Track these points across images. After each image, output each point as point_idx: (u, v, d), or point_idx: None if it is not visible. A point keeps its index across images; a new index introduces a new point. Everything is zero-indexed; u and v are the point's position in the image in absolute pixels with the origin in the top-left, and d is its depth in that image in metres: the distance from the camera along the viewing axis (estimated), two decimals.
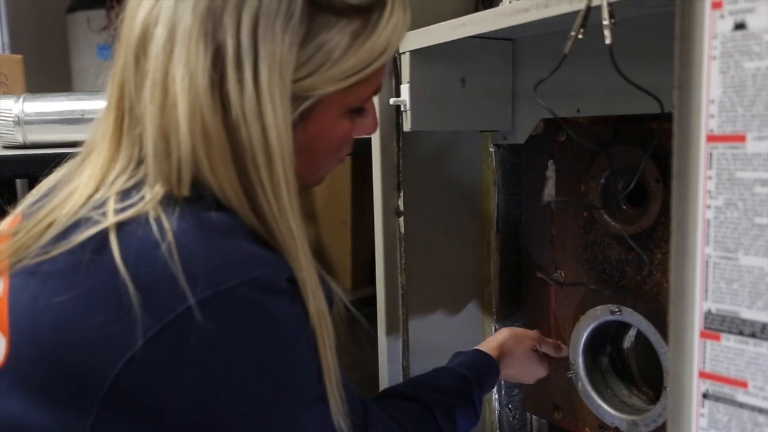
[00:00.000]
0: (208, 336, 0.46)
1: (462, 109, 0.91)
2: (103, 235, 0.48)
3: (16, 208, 0.59)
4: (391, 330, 0.94)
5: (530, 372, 0.89)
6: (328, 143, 0.59)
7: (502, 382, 1.07)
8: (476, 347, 0.84)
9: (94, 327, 0.46)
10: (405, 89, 0.85)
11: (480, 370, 0.80)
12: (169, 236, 0.47)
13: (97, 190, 0.52)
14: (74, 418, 0.47)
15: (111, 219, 0.48)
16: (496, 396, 1.08)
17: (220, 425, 0.49)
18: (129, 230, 0.48)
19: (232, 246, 0.49)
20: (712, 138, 0.43)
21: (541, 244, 0.94)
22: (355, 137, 0.63)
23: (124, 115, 0.54)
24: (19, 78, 1.56)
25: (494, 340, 0.87)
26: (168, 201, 0.50)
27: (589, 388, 0.89)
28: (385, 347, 0.94)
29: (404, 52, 0.85)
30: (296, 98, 0.52)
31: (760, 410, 0.42)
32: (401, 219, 0.91)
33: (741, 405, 0.42)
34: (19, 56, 1.59)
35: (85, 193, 0.52)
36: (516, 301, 1.02)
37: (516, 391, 1.08)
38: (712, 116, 0.42)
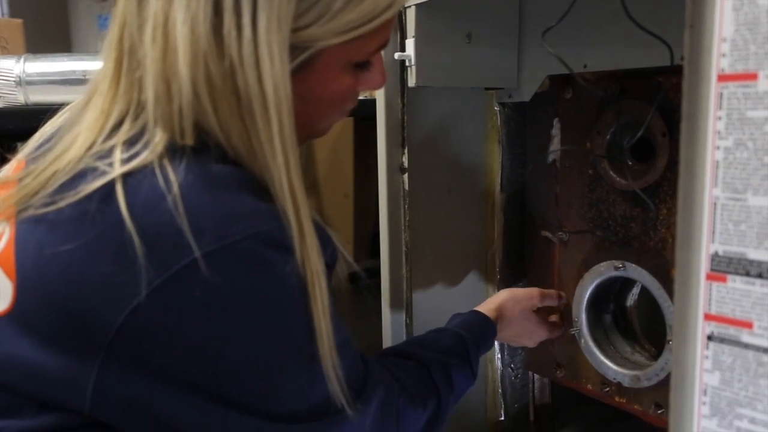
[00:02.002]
0: (212, 289, 0.46)
1: (467, 65, 0.91)
2: (109, 185, 0.48)
3: (19, 153, 0.59)
4: (394, 287, 0.94)
5: (530, 333, 0.89)
6: (330, 96, 0.58)
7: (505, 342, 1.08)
8: (474, 309, 0.85)
9: (100, 276, 0.47)
10: (410, 44, 0.84)
11: (476, 330, 0.80)
12: (175, 188, 0.47)
13: (99, 134, 0.52)
14: (81, 364, 0.48)
15: (117, 170, 0.48)
16: (499, 356, 1.09)
17: (220, 376, 0.49)
18: (135, 181, 0.48)
19: (238, 200, 0.49)
20: (723, 77, 0.42)
21: (546, 202, 0.94)
22: (361, 91, 0.62)
23: (123, 56, 0.53)
24: (19, 42, 1.55)
25: (492, 301, 0.87)
26: (174, 151, 0.50)
27: (591, 344, 0.90)
28: (389, 304, 0.95)
29: (410, 6, 0.84)
30: (295, 48, 0.51)
31: (765, 350, 0.42)
32: (405, 176, 0.91)
33: (746, 346, 0.42)
34: (19, 20, 1.58)
35: (87, 140, 0.52)
36: (520, 261, 1.02)
37: (519, 350, 1.09)
38: (723, 55, 0.42)
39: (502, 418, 1.11)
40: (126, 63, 0.53)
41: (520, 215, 1.02)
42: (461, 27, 0.90)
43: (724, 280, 0.43)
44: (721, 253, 0.43)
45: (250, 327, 0.49)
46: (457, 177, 1.01)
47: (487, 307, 0.85)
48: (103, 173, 0.48)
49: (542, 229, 0.95)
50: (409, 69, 0.87)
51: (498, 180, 1.03)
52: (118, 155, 0.49)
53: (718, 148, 0.43)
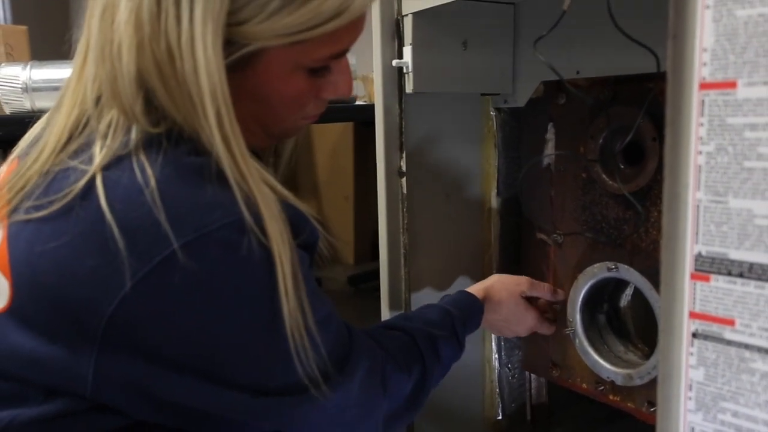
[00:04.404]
0: (193, 276, 0.49)
1: (463, 71, 0.93)
2: (90, 182, 0.50)
3: (12, 153, 0.62)
4: (393, 289, 0.96)
5: (518, 319, 0.89)
6: (280, 97, 0.58)
7: (502, 342, 1.10)
8: (462, 290, 0.86)
9: (87, 270, 0.49)
10: (407, 51, 0.87)
11: (463, 307, 0.81)
12: (152, 182, 0.49)
13: (63, 134, 0.55)
14: (79, 354, 0.50)
15: (97, 166, 0.51)
16: (496, 356, 1.10)
17: (208, 357, 0.52)
18: (114, 177, 0.50)
19: (214, 190, 0.51)
20: (704, 85, 0.44)
21: (541, 205, 0.95)
22: (327, 97, 0.63)
23: (87, 56, 0.56)
24: (24, 48, 1.57)
25: (481, 283, 0.88)
26: (150, 145, 0.52)
27: (586, 344, 0.91)
28: (388, 305, 0.97)
29: (407, 14, 0.86)
30: (233, 43, 0.53)
31: (747, 346, 0.43)
32: (403, 179, 0.93)
33: (728, 342, 0.44)
34: (24, 27, 1.60)
35: (55, 140, 0.55)
36: (516, 263, 1.04)
37: (516, 351, 1.11)
38: (704, 64, 0.44)
39: (500, 417, 1.12)
40: (87, 62, 0.56)
41: (516, 218, 1.04)
42: (457, 34, 0.92)
43: (707, 279, 0.44)
44: (704, 253, 0.44)
45: (232, 311, 0.52)
46: (454, 180, 1.02)
47: (474, 288, 0.87)
48: (84, 172, 0.51)
49: (537, 232, 0.97)
50: (406, 75, 0.89)
51: (494, 183, 1.05)
52: (97, 151, 0.52)
53: (700, 153, 0.44)
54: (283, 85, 0.58)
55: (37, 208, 0.51)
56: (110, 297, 0.48)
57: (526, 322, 0.90)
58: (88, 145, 0.53)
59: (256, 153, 0.63)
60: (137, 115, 0.53)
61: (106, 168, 0.51)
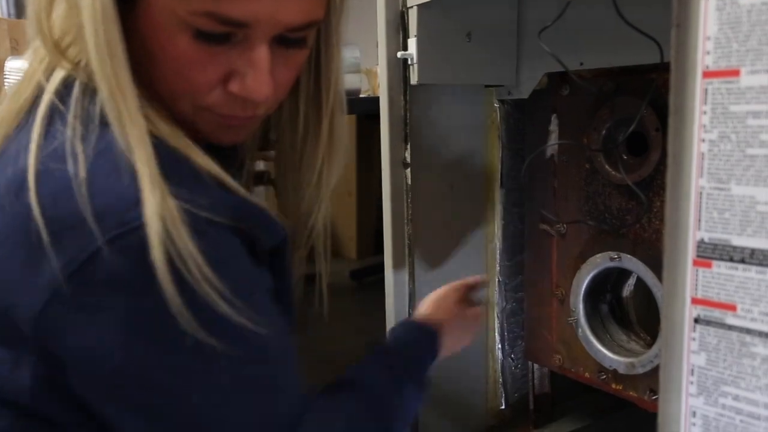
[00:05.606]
0: (121, 272, 0.46)
1: (468, 63, 0.93)
2: (23, 175, 0.48)
3: None
4: (398, 279, 0.97)
5: (465, 326, 0.81)
6: (164, 55, 0.52)
7: (505, 332, 1.11)
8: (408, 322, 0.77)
9: (15, 270, 0.47)
10: (412, 43, 0.87)
11: (418, 347, 0.72)
12: (82, 173, 0.46)
13: (9, 118, 0.53)
14: (19, 356, 0.49)
15: (32, 156, 0.48)
16: (499, 346, 1.11)
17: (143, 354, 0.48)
18: (51, 168, 0.47)
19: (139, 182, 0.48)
20: (707, 74, 0.44)
21: (544, 196, 0.96)
22: (239, 95, 0.54)
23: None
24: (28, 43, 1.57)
25: (421, 315, 0.79)
26: (87, 129, 0.49)
27: (588, 333, 0.92)
28: (392, 296, 0.97)
29: (411, 6, 0.87)
30: None
31: (748, 331, 0.43)
32: (408, 170, 0.94)
33: (730, 327, 0.44)
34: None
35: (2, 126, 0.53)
36: (519, 254, 1.05)
37: (519, 341, 1.12)
38: (708, 53, 0.44)
39: (503, 407, 1.13)
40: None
41: (520, 209, 1.05)
42: (461, 26, 0.92)
43: (709, 265, 0.45)
44: (706, 239, 0.45)
45: (161, 303, 0.47)
46: (458, 171, 1.03)
47: (420, 321, 0.77)
48: (20, 163, 0.48)
49: (541, 223, 0.97)
50: (411, 67, 0.89)
51: (498, 174, 1.05)
52: (34, 138, 0.49)
53: (703, 140, 0.45)
54: (165, 39, 0.51)
55: None
56: (37, 299, 0.46)
57: (470, 327, 0.82)
58: (25, 133, 0.50)
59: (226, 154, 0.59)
60: (61, 51, 0.51)
61: (41, 161, 0.48)
